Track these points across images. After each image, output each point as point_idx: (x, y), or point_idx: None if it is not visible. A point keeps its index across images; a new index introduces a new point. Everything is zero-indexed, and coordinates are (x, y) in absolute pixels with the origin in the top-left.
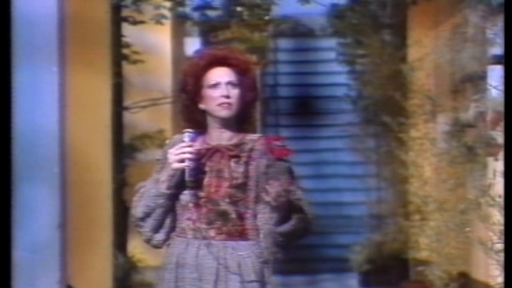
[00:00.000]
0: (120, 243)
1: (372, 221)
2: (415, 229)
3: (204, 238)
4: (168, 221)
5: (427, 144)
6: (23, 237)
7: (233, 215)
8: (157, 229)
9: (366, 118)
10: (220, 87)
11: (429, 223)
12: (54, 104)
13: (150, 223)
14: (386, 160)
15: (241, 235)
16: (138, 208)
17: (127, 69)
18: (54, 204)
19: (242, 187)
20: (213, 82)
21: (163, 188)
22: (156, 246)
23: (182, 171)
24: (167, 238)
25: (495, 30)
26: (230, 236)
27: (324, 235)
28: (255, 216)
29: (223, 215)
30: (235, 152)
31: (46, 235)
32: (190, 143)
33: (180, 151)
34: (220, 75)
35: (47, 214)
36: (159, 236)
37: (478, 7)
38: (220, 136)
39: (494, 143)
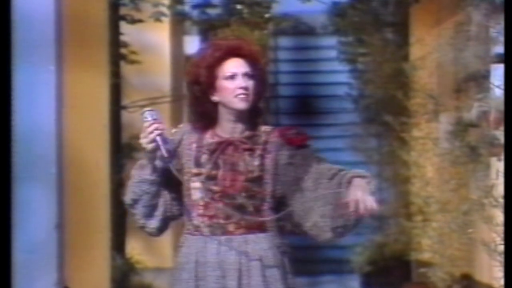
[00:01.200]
0: (118, 244)
1: (374, 222)
2: (417, 230)
3: (223, 233)
4: (161, 209)
5: (429, 144)
6: (20, 238)
7: (250, 208)
8: (148, 215)
9: (367, 118)
10: (237, 78)
11: (431, 224)
12: (51, 104)
13: (140, 209)
14: (388, 160)
15: (260, 227)
16: (127, 194)
17: (125, 68)
18: (51, 205)
19: (258, 180)
20: (229, 73)
21: (146, 174)
22: (151, 234)
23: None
24: (162, 226)
25: (499, 29)
26: (249, 229)
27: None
28: (271, 208)
29: (240, 209)
30: (248, 145)
31: (43, 236)
32: (152, 121)
33: (146, 132)
34: (236, 66)
35: (44, 214)
36: (153, 223)
37: (481, 5)
38: (233, 129)
39: (498, 143)
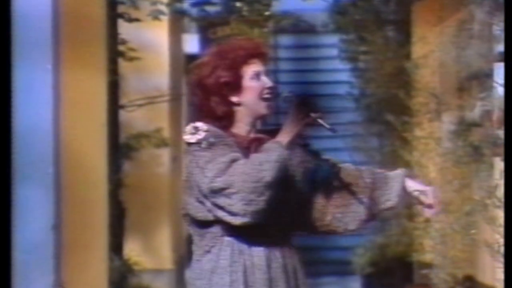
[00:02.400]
0: (116, 245)
1: (375, 223)
2: (419, 231)
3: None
4: None
5: (431, 144)
6: (17, 239)
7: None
8: None
9: (369, 117)
10: (262, 79)
11: (433, 225)
12: (49, 103)
13: None
14: (390, 160)
15: None
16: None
17: (123, 66)
18: (48, 205)
19: None
20: (254, 73)
21: None
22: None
23: None
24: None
25: (502, 26)
26: None
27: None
28: None
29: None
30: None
31: (40, 237)
32: None
33: None
34: (259, 65)
35: (41, 215)
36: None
37: (484, 3)
38: (249, 130)
39: (501, 143)
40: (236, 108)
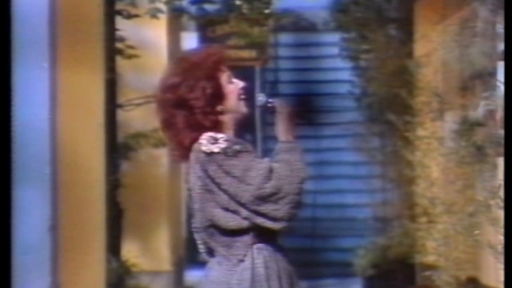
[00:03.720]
0: (113, 246)
1: (377, 224)
2: (422, 232)
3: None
4: None
5: (434, 144)
6: (13, 240)
7: None
8: None
9: (370, 116)
10: (234, 81)
11: (436, 226)
12: (45, 102)
13: None
14: (392, 160)
15: None
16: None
17: (121, 65)
18: (44, 206)
19: None
20: (228, 78)
21: None
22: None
23: None
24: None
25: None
26: None
27: (326, 238)
28: None
29: None
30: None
31: (36, 238)
32: None
33: None
34: (227, 70)
35: (38, 216)
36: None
37: (488, 0)
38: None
39: None
40: (221, 116)
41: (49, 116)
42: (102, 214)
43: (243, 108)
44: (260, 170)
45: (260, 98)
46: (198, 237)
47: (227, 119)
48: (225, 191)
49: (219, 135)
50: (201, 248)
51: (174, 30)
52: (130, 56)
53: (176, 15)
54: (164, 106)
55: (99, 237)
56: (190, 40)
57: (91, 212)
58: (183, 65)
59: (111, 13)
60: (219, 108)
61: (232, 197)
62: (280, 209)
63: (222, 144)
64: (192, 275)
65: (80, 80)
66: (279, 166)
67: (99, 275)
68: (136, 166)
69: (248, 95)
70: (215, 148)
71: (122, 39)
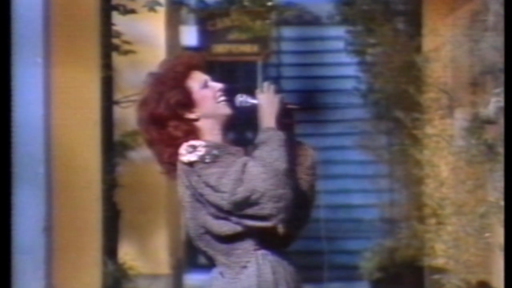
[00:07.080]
0: (110, 249)
1: (384, 226)
2: (431, 234)
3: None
4: None
5: (443, 142)
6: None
7: None
8: None
9: (377, 114)
10: (210, 84)
11: (446, 227)
12: (39, 99)
13: None
14: (399, 159)
15: None
16: None
17: (118, 60)
18: (39, 206)
19: None
20: (202, 83)
21: None
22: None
23: None
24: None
25: None
26: None
27: (332, 240)
28: None
29: None
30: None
31: (30, 239)
32: None
33: None
34: (202, 75)
35: (32, 216)
36: None
37: None
38: (222, 138)
39: None
40: (197, 123)
41: (43, 114)
42: (98, 214)
43: (224, 110)
44: (230, 175)
45: (241, 98)
46: (196, 246)
47: (207, 124)
48: (207, 201)
49: (198, 143)
50: (204, 257)
51: (173, 23)
52: (126, 52)
53: (174, 8)
54: (141, 125)
55: (95, 238)
56: (189, 34)
57: (87, 212)
58: (150, 80)
59: (107, 8)
60: (190, 116)
61: (215, 206)
62: (264, 207)
63: (200, 151)
64: (191, 279)
65: (75, 77)
66: (252, 165)
67: (95, 278)
68: (133, 165)
69: (230, 95)
70: (193, 157)
71: (118, 35)
